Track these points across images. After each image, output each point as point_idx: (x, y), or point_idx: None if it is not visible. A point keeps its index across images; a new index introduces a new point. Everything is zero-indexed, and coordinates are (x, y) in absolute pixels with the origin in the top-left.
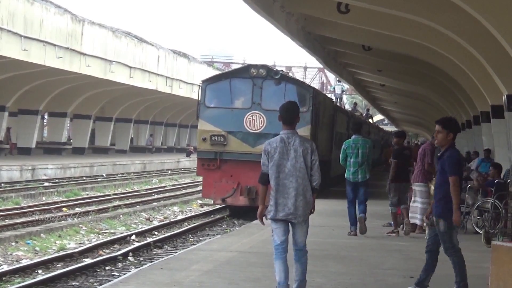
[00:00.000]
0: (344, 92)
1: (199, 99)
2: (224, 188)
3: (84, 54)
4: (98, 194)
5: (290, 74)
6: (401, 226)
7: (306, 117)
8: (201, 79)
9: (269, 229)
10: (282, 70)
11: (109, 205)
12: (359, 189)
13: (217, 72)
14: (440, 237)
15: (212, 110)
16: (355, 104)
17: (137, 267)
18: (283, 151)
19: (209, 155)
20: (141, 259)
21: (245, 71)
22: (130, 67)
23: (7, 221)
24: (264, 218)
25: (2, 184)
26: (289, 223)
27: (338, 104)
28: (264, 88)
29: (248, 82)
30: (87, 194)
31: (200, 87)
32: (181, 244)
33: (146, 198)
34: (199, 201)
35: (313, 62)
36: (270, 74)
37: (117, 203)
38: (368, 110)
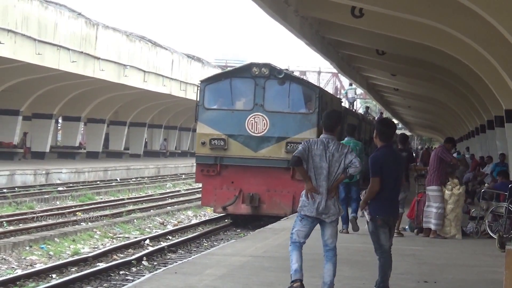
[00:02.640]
0: (357, 96)
1: (198, 100)
2: (225, 196)
3: (98, 58)
4: (112, 198)
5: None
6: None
7: (312, 119)
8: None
9: (283, 234)
10: (286, 69)
11: (123, 209)
12: (351, 188)
13: None
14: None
15: (211, 112)
16: (367, 107)
17: (151, 272)
18: (322, 154)
19: (209, 160)
20: (155, 263)
21: (246, 70)
22: (144, 71)
23: (21, 226)
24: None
25: (16, 189)
26: (319, 224)
27: (351, 108)
28: (267, 88)
29: (250, 82)
30: (101, 199)
31: (199, 88)
32: (195, 249)
33: (160, 203)
34: None
35: (327, 66)
36: (273, 73)
37: (131, 207)
38: (381, 113)
